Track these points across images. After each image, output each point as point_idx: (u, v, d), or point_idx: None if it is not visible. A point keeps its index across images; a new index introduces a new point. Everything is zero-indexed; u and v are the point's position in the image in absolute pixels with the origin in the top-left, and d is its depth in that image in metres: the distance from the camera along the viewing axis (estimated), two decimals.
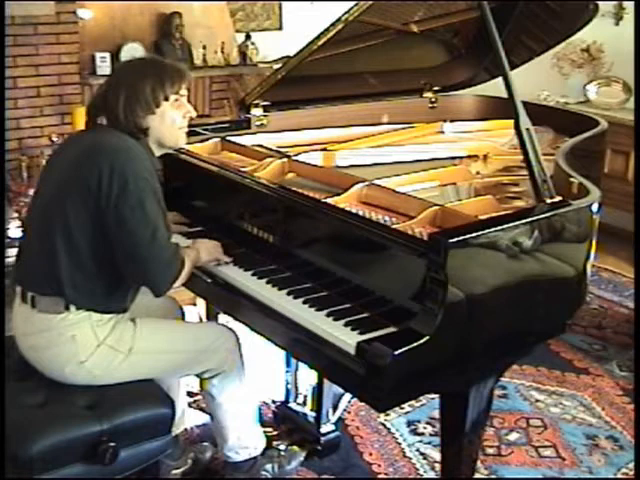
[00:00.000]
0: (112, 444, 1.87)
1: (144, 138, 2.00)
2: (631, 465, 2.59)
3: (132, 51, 4.47)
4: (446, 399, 1.96)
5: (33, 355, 1.99)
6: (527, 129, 2.02)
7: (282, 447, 2.50)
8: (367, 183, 2.18)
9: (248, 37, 5.22)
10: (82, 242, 1.90)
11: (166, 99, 1.99)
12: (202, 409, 2.68)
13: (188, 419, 2.57)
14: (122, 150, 1.92)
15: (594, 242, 2.03)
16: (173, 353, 2.09)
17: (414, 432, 2.72)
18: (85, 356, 1.94)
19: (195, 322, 3.00)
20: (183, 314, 2.40)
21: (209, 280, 2.15)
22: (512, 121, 2.05)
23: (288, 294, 1.95)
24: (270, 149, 2.61)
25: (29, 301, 1.95)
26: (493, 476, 2.51)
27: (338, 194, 2.13)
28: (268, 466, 2.34)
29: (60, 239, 1.91)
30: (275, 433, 2.64)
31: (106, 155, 1.90)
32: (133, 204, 1.87)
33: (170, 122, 2.01)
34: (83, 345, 1.94)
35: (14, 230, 3.79)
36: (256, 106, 2.78)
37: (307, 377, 2.61)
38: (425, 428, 2.75)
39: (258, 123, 2.80)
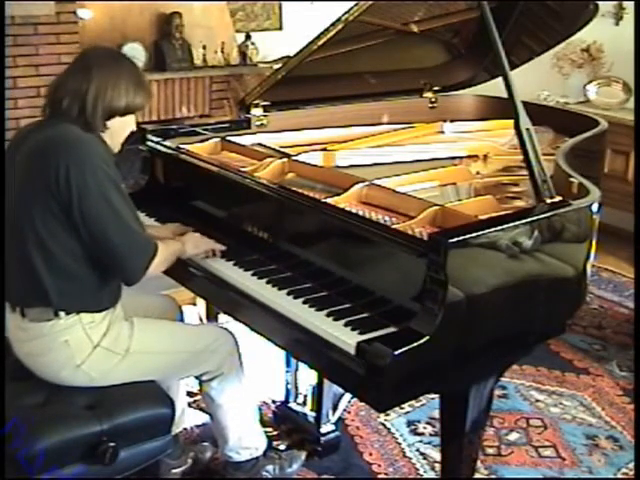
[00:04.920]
0: (112, 444, 1.86)
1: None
2: (631, 465, 2.59)
3: (132, 51, 4.47)
4: (446, 399, 1.96)
5: (30, 361, 1.98)
6: (527, 129, 2.02)
7: (282, 447, 2.50)
8: (367, 183, 2.18)
9: (248, 37, 5.22)
10: (57, 247, 1.86)
11: (138, 109, 1.98)
12: (202, 409, 2.68)
13: (188, 419, 2.57)
14: (73, 142, 1.86)
15: (594, 242, 2.03)
16: (171, 354, 2.08)
17: (414, 432, 2.72)
18: (80, 359, 1.93)
19: (194, 323, 3.00)
20: (182, 315, 2.40)
21: (207, 278, 2.15)
22: (512, 121, 2.05)
23: (288, 294, 1.95)
24: (270, 149, 2.61)
25: (18, 312, 1.94)
26: (493, 476, 2.51)
27: (338, 194, 2.13)
28: (269, 467, 2.34)
29: (34, 249, 1.86)
30: (275, 433, 2.64)
31: (59, 151, 1.84)
32: (96, 199, 1.83)
33: (126, 131, 2.00)
34: (77, 349, 1.92)
35: None
36: (256, 106, 2.78)
37: (307, 377, 2.61)
38: (425, 428, 2.75)
39: (258, 123, 2.80)
